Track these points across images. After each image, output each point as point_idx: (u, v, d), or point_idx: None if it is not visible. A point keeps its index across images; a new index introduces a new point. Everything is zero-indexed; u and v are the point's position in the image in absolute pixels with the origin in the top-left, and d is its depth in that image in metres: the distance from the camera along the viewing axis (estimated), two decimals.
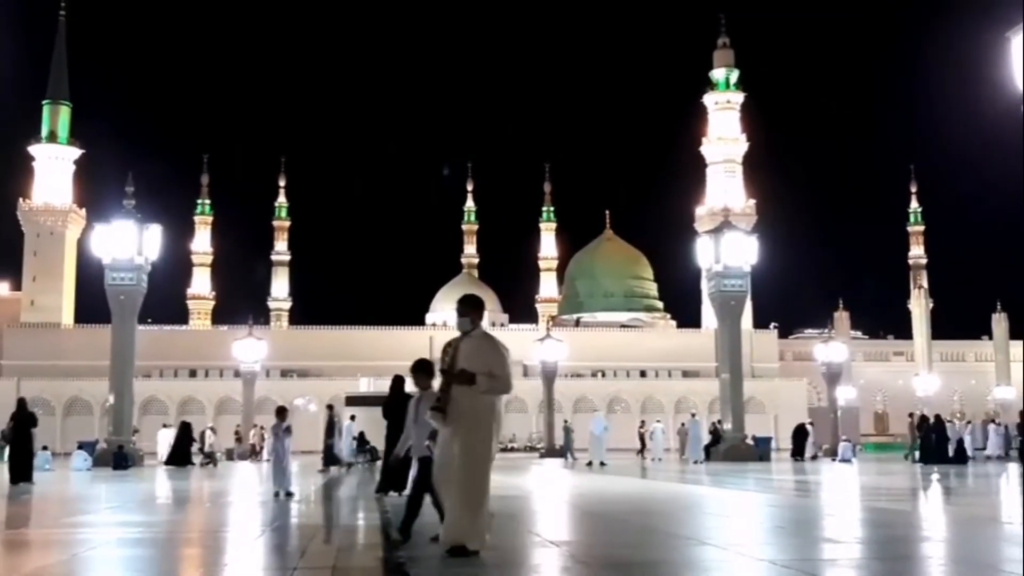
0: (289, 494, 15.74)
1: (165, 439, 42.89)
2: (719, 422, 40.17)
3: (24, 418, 22.13)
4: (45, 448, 33.56)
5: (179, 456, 34.42)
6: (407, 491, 15.86)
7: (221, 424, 66.52)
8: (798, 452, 41.33)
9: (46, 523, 13.10)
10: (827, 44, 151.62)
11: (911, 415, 40.28)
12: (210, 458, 37.95)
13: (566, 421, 48.09)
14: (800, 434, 42.30)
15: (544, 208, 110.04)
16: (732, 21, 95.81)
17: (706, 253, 38.81)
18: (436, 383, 8.42)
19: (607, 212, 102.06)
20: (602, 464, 32.83)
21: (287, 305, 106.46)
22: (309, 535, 10.74)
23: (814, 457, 41.26)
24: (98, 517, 13.77)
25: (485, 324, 8.04)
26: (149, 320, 68.63)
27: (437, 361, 8.42)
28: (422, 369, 9.62)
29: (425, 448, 8.67)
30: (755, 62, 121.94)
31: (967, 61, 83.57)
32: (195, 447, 37.81)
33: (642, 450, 43.70)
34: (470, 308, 7.81)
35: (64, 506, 16.54)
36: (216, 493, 19.61)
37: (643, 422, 43.84)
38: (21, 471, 21.34)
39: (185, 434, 35.76)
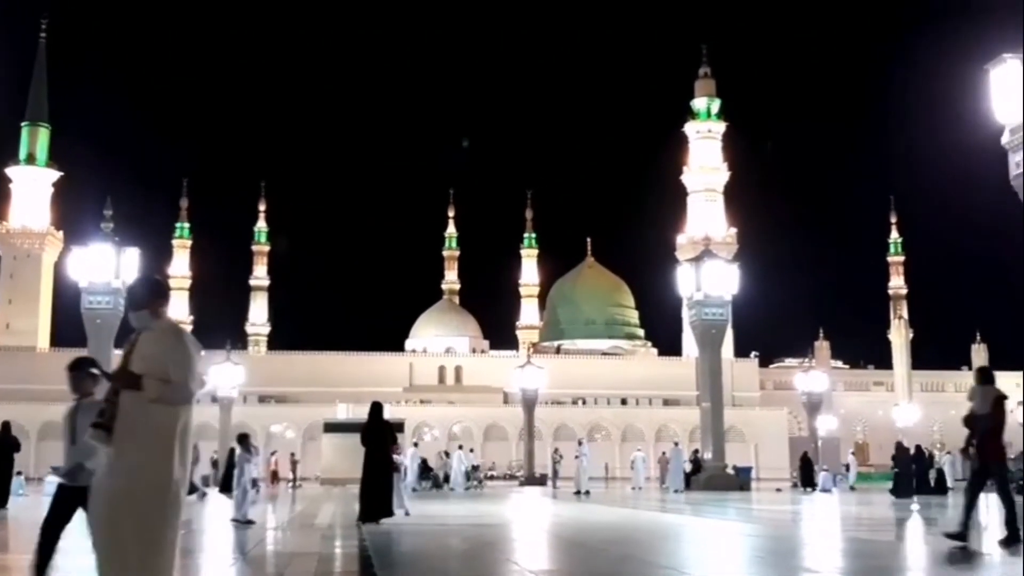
0: (249, 522, 15.40)
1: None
2: (698, 452, 40.04)
3: (7, 442, 22.05)
4: (19, 473, 33.05)
5: (229, 481, 34.26)
6: (387, 517, 15.86)
7: (198, 450, 65.87)
8: (808, 482, 39.62)
9: (21, 548, 12.87)
10: (808, 74, 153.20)
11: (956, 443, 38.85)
12: (253, 483, 37.59)
13: (556, 449, 48.09)
14: (806, 464, 41.01)
15: (525, 234, 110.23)
16: (713, 51, 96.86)
17: (687, 281, 38.86)
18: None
19: (588, 239, 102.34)
20: (586, 493, 32.75)
21: (265, 330, 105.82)
22: (284, 563, 10.55)
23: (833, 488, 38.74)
24: (72, 543, 13.51)
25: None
26: (125, 344, 67.98)
27: None
28: (82, 368, 7.46)
29: (84, 474, 6.64)
30: (737, 92, 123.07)
31: (948, 93, 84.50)
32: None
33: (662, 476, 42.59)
34: (150, 297, 5.93)
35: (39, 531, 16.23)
36: (189, 520, 19.31)
37: (663, 452, 43.73)
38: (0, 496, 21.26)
39: (231, 459, 35.61)
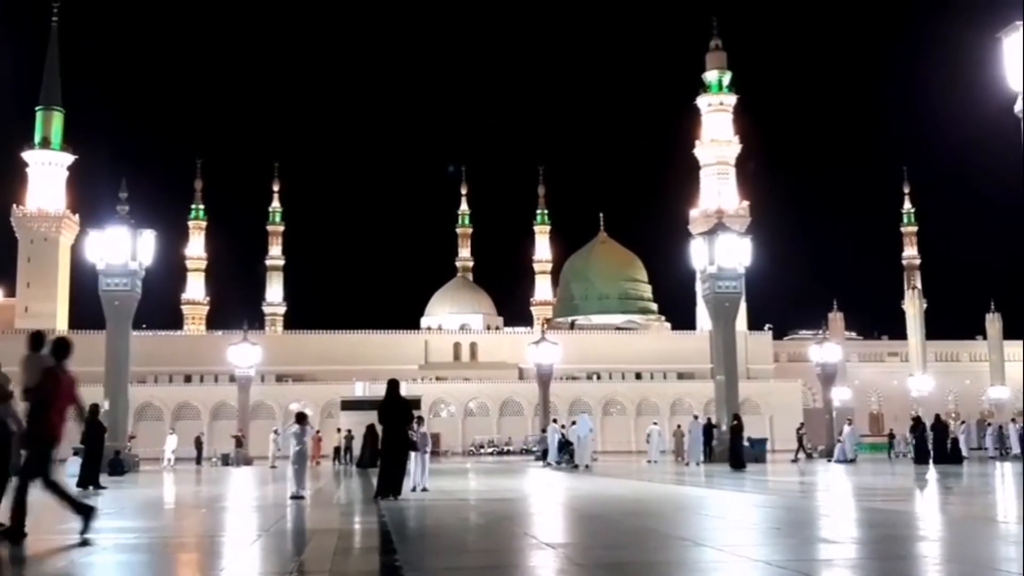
0: (301, 496, 16.04)
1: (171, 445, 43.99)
2: (710, 420, 40.06)
3: (98, 425, 23.15)
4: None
5: (369, 459, 35.26)
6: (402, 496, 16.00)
7: (216, 429, 66.53)
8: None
9: (43, 529, 13.07)
10: (820, 46, 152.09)
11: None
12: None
13: (573, 422, 47.92)
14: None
15: (538, 211, 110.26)
16: (724, 23, 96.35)
17: (700, 255, 38.84)
18: None
19: (601, 214, 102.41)
20: (587, 467, 32.81)
21: (282, 310, 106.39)
22: (306, 539, 10.74)
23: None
24: (95, 523, 13.72)
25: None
26: (143, 326, 68.63)
27: None
28: None
29: None
30: (748, 64, 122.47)
31: (960, 62, 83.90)
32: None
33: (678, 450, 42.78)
34: None
35: (60, 512, 16.47)
36: (216, 497, 19.57)
37: (678, 426, 43.62)
38: (91, 476, 22.06)
39: (372, 436, 36.49)
